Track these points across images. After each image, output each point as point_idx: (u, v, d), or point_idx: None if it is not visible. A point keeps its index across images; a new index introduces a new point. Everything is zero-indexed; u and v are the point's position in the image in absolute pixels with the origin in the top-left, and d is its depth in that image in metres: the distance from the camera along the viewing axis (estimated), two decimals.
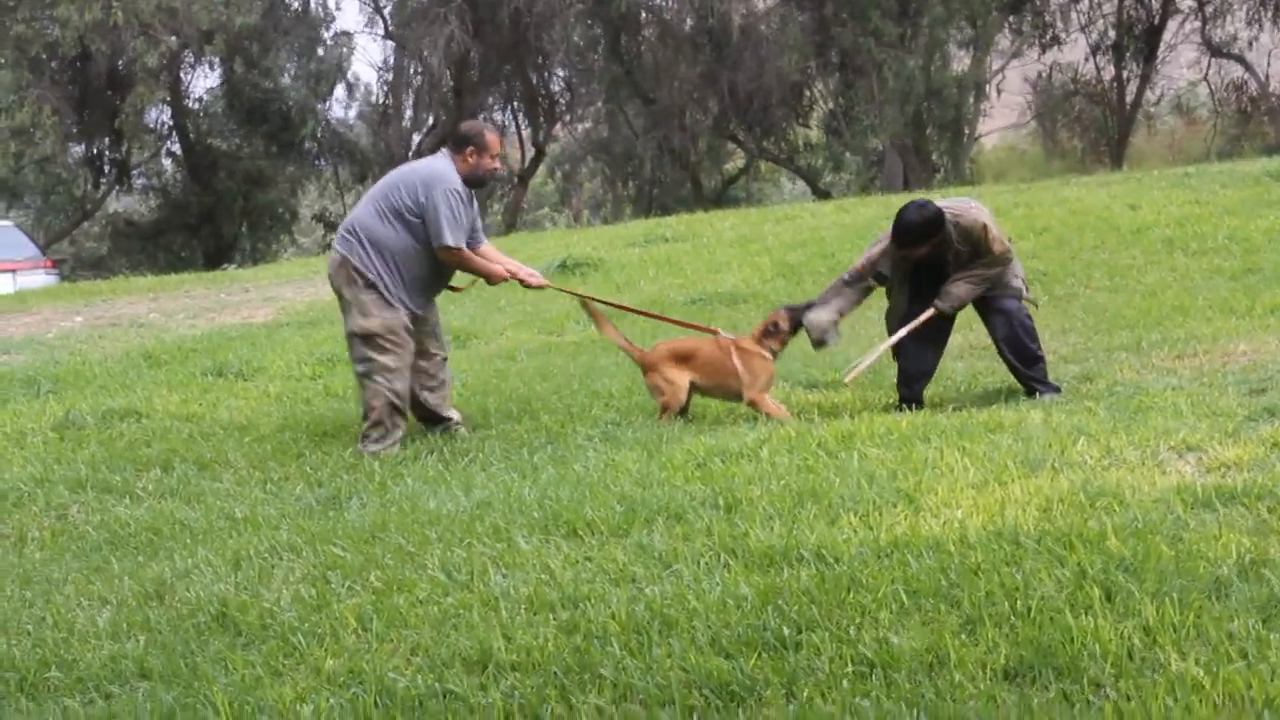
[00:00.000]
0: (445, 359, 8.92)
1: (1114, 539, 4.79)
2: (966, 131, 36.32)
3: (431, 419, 8.77)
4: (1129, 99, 39.28)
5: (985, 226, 8.36)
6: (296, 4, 39.65)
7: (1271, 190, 17.67)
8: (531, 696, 4.06)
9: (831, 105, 38.75)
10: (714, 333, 8.82)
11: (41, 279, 24.53)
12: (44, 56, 34.22)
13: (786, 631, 4.32)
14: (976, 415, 7.37)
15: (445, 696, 4.13)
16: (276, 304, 17.01)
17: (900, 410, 8.22)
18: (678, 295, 14.53)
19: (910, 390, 8.61)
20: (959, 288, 8.43)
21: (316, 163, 42.98)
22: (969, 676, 3.91)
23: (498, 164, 8.65)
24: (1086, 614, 4.20)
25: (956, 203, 8.63)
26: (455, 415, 8.85)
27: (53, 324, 16.53)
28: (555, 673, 4.20)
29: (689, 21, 37.40)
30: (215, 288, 19.76)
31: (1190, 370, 8.37)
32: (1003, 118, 40.57)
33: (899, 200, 22.39)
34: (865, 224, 18.50)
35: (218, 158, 39.83)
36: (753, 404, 8.41)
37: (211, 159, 39.81)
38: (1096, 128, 39.72)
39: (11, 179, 35.20)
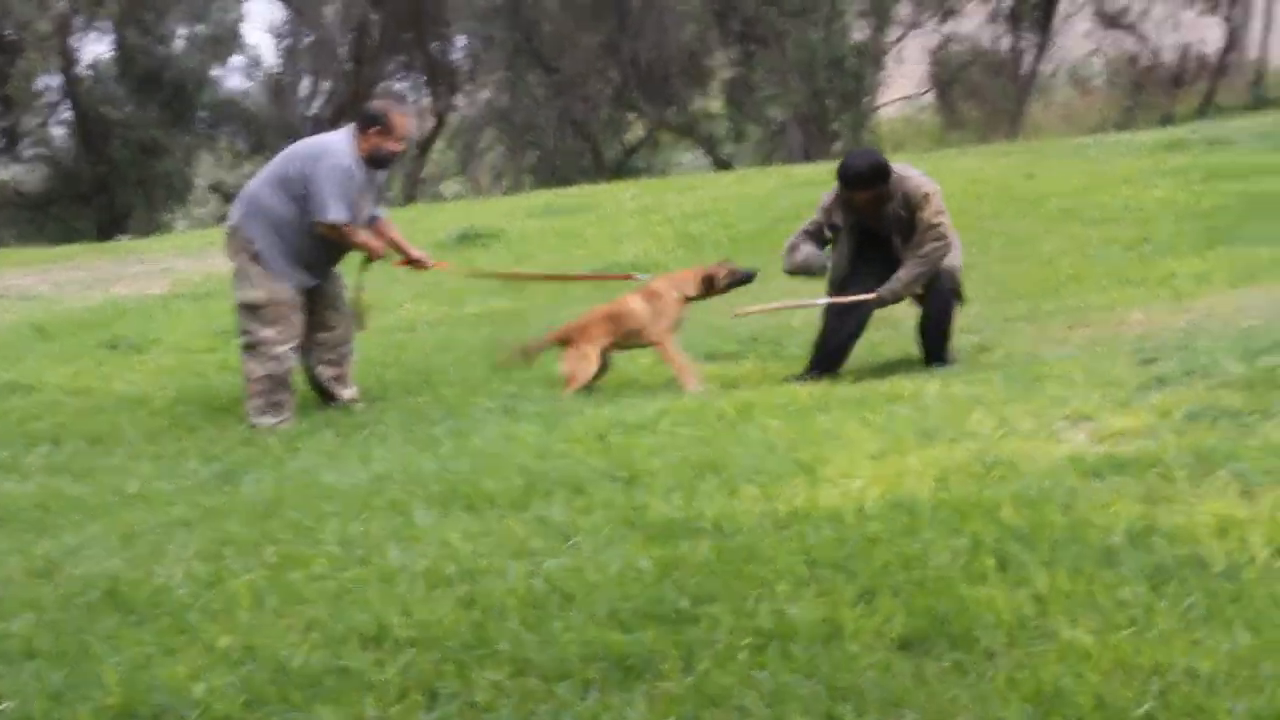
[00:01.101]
0: (348, 332, 8.79)
1: (1008, 509, 4.85)
2: (866, 101, 36.45)
3: (326, 394, 8.68)
4: (1025, 69, 39.63)
5: (928, 195, 8.35)
6: None
7: (1165, 160, 17.94)
8: (429, 672, 4.04)
9: (732, 75, 38.75)
10: (629, 278, 8.84)
11: None
12: None
13: (685, 604, 4.32)
14: (876, 386, 7.43)
15: (341, 673, 4.09)
16: (171, 276, 16.77)
17: (803, 379, 8.25)
18: (580, 266, 14.47)
19: (829, 360, 8.55)
20: (903, 272, 8.38)
21: (211, 132, 42.34)
22: (865, 647, 3.93)
23: (402, 145, 8.49)
24: (981, 583, 4.24)
25: (908, 168, 8.63)
26: (349, 393, 8.72)
27: None
28: (452, 648, 4.18)
29: None
30: (108, 259, 19.44)
31: (1085, 340, 8.47)
32: (901, 88, 40.76)
33: (800, 171, 22.59)
34: (766, 194, 18.55)
35: (110, 126, 39.05)
36: (657, 346, 8.55)
37: (104, 127, 39.02)
38: (994, 98, 40.03)
39: None
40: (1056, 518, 4.71)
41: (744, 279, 8.70)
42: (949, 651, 3.86)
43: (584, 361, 8.51)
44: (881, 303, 8.50)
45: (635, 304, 8.59)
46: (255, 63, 42.80)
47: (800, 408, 6.92)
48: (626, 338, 8.66)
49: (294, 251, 8.31)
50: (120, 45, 38.74)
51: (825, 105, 34.70)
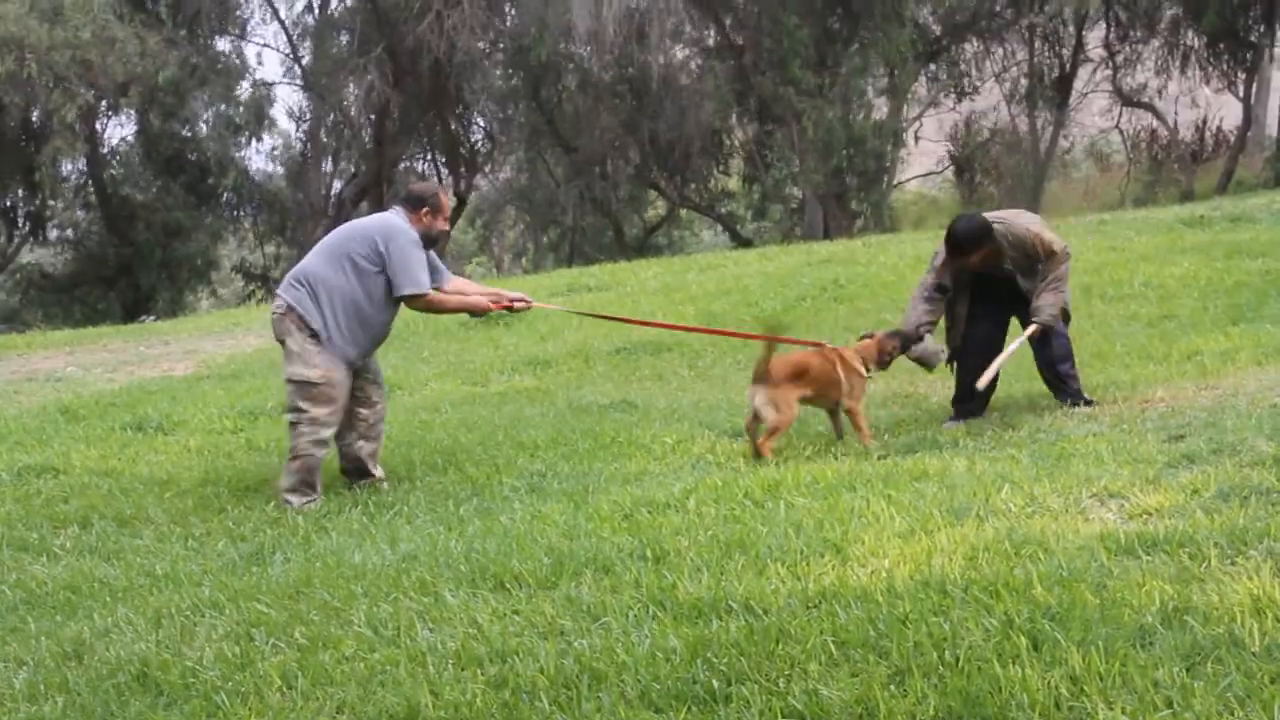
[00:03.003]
0: (385, 409, 8.94)
1: (1040, 587, 4.82)
2: (886, 179, 36.62)
3: (358, 473, 8.70)
4: (1043, 146, 39.83)
5: (1038, 234, 8.87)
6: (215, 55, 39.40)
7: (1185, 237, 17.97)
8: None
9: (752, 154, 38.97)
10: (819, 345, 9.08)
11: None
12: None
13: (716, 684, 4.30)
14: (901, 463, 7.41)
15: None
16: (197, 357, 16.86)
17: (954, 424, 8.87)
18: (602, 345, 14.53)
19: (975, 404, 9.15)
20: (1045, 299, 8.87)
21: (235, 213, 42.67)
22: None
23: (449, 226, 8.80)
24: (1014, 663, 4.21)
25: (1005, 214, 9.18)
26: (380, 473, 8.81)
27: None
28: None
29: (609, 71, 37.54)
30: (134, 340, 19.56)
31: (1110, 417, 8.44)
32: (920, 165, 41.03)
33: (821, 248, 22.68)
34: (788, 272, 18.62)
35: (135, 209, 39.40)
36: (850, 413, 8.74)
37: (129, 210, 39.37)
38: (1013, 175, 40.19)
39: None
40: (1089, 597, 4.68)
41: (914, 339, 8.97)
42: None
43: (791, 410, 8.57)
44: (1045, 329, 8.91)
45: (839, 372, 8.70)
46: (278, 145, 43.20)
47: (827, 486, 6.90)
48: (815, 399, 8.81)
49: (352, 329, 8.44)
50: (144, 129, 39.12)
51: (845, 183, 34.84)
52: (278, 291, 8.63)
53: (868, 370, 8.87)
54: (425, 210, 8.60)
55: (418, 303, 8.54)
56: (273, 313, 8.60)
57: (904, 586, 5.02)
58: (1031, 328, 8.89)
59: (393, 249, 8.36)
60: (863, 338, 9.13)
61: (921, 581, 5.05)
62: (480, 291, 9.05)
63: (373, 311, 8.49)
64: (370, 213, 40.17)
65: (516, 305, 9.00)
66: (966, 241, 8.83)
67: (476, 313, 9.00)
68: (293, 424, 8.45)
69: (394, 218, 8.59)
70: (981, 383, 8.87)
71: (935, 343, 9.07)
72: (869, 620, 4.69)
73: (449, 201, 8.84)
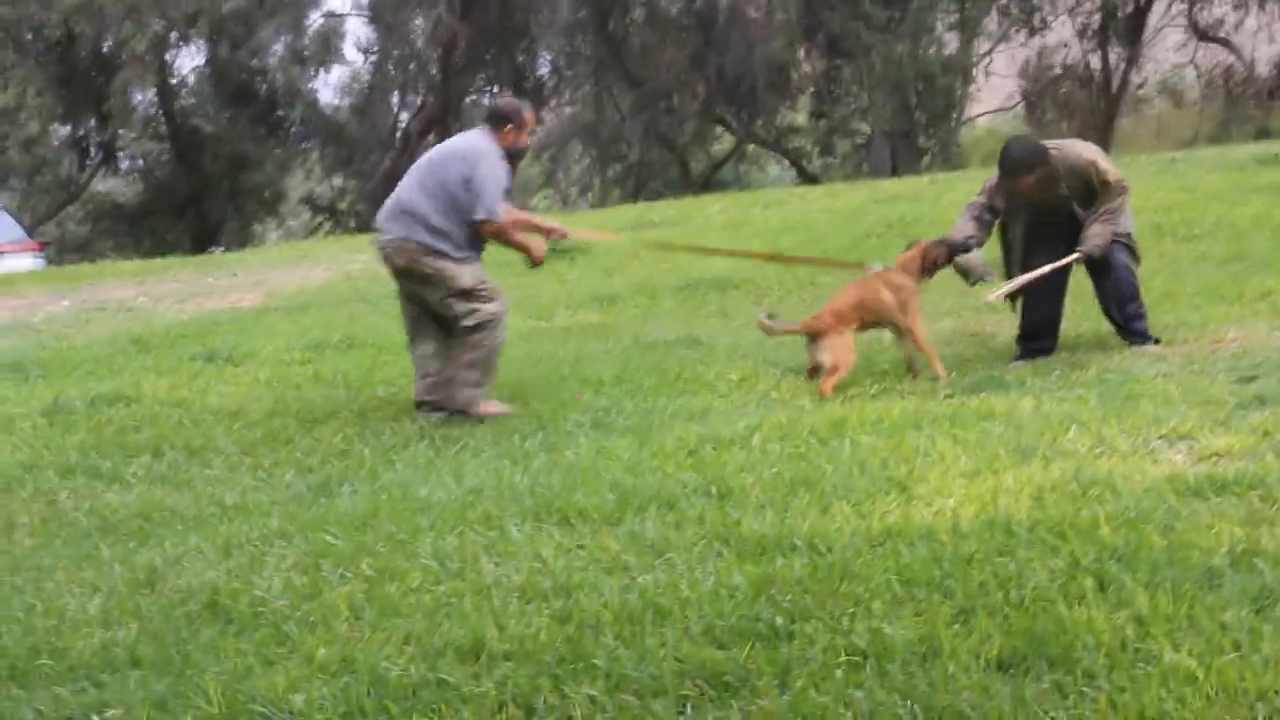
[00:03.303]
0: None
1: (1106, 528, 4.81)
2: (954, 115, 36.26)
3: (434, 406, 8.74)
4: (1115, 83, 39.28)
5: (1093, 161, 8.84)
6: None
7: (1258, 176, 17.67)
8: (525, 686, 4.06)
9: (819, 89, 38.69)
10: (859, 266, 9.13)
11: (29, 262, 24.39)
12: (29, 38, 34.02)
13: (780, 621, 4.32)
14: (968, 403, 7.37)
15: (438, 686, 4.13)
16: (265, 288, 16.97)
17: (1019, 362, 8.81)
18: (669, 280, 14.50)
19: (1041, 342, 9.07)
20: (1094, 229, 8.80)
21: (303, 145, 42.82)
22: (962, 667, 3.91)
23: (530, 140, 8.95)
24: (1079, 604, 4.21)
25: (1063, 142, 9.13)
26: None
27: (40, 308, 16.47)
28: (548, 662, 4.21)
29: (676, 3, 37.31)
30: (203, 271, 19.70)
31: (1180, 357, 8.36)
32: (990, 101, 40.59)
33: (888, 185, 22.53)
34: (854, 209, 18.51)
35: (204, 140, 39.64)
36: (908, 334, 8.79)
37: (198, 141, 39.62)
38: (1084, 111, 39.69)
39: None
40: (1156, 538, 4.67)
41: (961, 249, 8.90)
42: (1048, 673, 3.84)
43: (848, 351, 8.62)
44: (1089, 259, 8.84)
45: (885, 293, 8.73)
46: (345, 77, 43.25)
47: (892, 424, 6.88)
48: (872, 325, 8.90)
49: (470, 241, 8.57)
50: (213, 60, 39.28)
51: (913, 119, 34.54)
52: (379, 229, 8.72)
53: (916, 281, 8.86)
54: (510, 127, 8.69)
55: (487, 228, 8.57)
56: (383, 246, 8.65)
57: (969, 526, 5.03)
58: (1073, 254, 8.81)
59: (475, 174, 8.44)
60: (908, 246, 9.10)
61: (986, 521, 5.06)
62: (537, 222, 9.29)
63: (463, 234, 8.56)
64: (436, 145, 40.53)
65: (554, 234, 9.24)
66: (1019, 163, 8.76)
67: (534, 259, 8.98)
68: (474, 325, 8.57)
69: (479, 140, 8.68)
70: (995, 297, 8.86)
71: (983, 259, 8.99)
72: (933, 559, 4.69)
73: (533, 115, 8.95)
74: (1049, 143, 8.97)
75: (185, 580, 5.43)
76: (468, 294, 8.54)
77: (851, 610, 4.36)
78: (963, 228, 8.95)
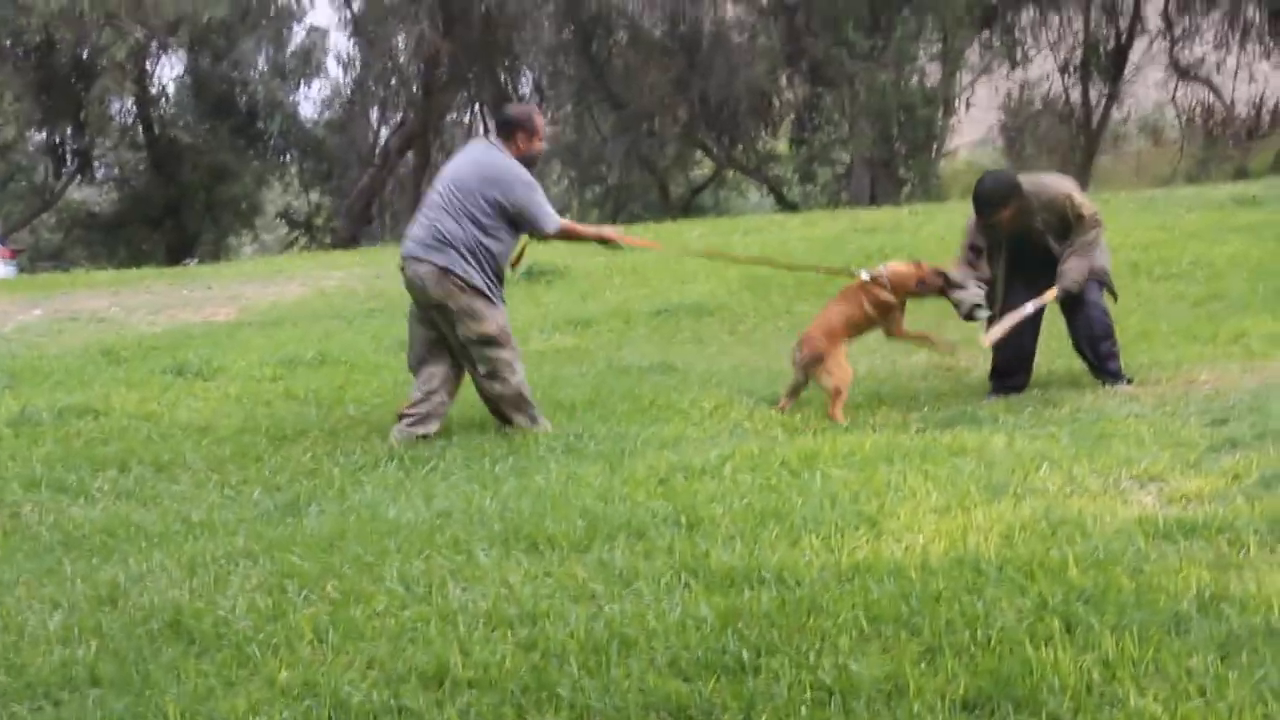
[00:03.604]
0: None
1: (1075, 569, 4.79)
2: (935, 146, 36.36)
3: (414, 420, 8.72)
4: (1095, 119, 39.45)
5: (1069, 195, 8.87)
6: None
7: (1236, 216, 17.78)
8: (488, 715, 4.03)
9: (801, 116, 38.78)
10: (849, 274, 9.26)
11: (0, 270, 24.30)
12: (8, 43, 33.90)
13: (746, 655, 4.29)
14: (940, 438, 7.36)
15: (400, 713, 4.09)
16: (239, 302, 16.91)
17: (993, 398, 8.82)
18: (643, 306, 14.51)
19: (1014, 379, 9.09)
20: (1070, 263, 8.82)
21: (281, 158, 42.74)
22: (928, 707, 3.89)
23: (544, 144, 8.91)
24: (1046, 645, 4.18)
25: (1038, 176, 9.23)
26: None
27: (11, 317, 16.37)
28: (512, 691, 4.17)
29: (660, 26, 37.36)
30: (177, 284, 19.63)
31: (1153, 398, 8.38)
32: (970, 133, 40.73)
33: (867, 215, 22.59)
34: (832, 238, 18.55)
35: (182, 150, 39.51)
36: (896, 336, 9.06)
37: (175, 151, 39.49)
38: (1063, 147, 39.84)
39: None
40: (1125, 581, 4.65)
41: (958, 287, 8.96)
42: (1013, 715, 3.81)
43: (846, 370, 8.76)
44: (1068, 295, 8.84)
45: (868, 305, 8.85)
46: (326, 91, 43.23)
47: (864, 458, 6.87)
48: (860, 333, 9.02)
49: (498, 276, 8.58)
50: (193, 70, 39.19)
51: (894, 149, 34.62)
52: (415, 255, 8.51)
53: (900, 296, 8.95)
54: (521, 135, 8.64)
55: (559, 234, 8.71)
56: (416, 276, 8.50)
57: (938, 563, 5.00)
58: (1050, 291, 8.81)
59: (515, 198, 8.43)
60: (911, 260, 9.13)
61: (956, 559, 5.03)
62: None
63: (504, 256, 8.62)
64: (416, 164, 40.21)
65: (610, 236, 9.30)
66: (993, 197, 8.78)
67: (611, 241, 9.23)
68: (489, 374, 8.54)
69: (495, 155, 8.58)
70: (990, 340, 8.82)
71: (979, 295, 8.97)
72: (901, 596, 4.67)
73: (543, 120, 8.89)
74: (1023, 176, 8.99)
75: (148, 598, 5.37)
76: (489, 341, 8.49)
77: (818, 646, 4.33)
78: (962, 274, 8.96)
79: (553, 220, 8.53)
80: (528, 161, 8.67)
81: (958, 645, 4.25)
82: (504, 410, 8.64)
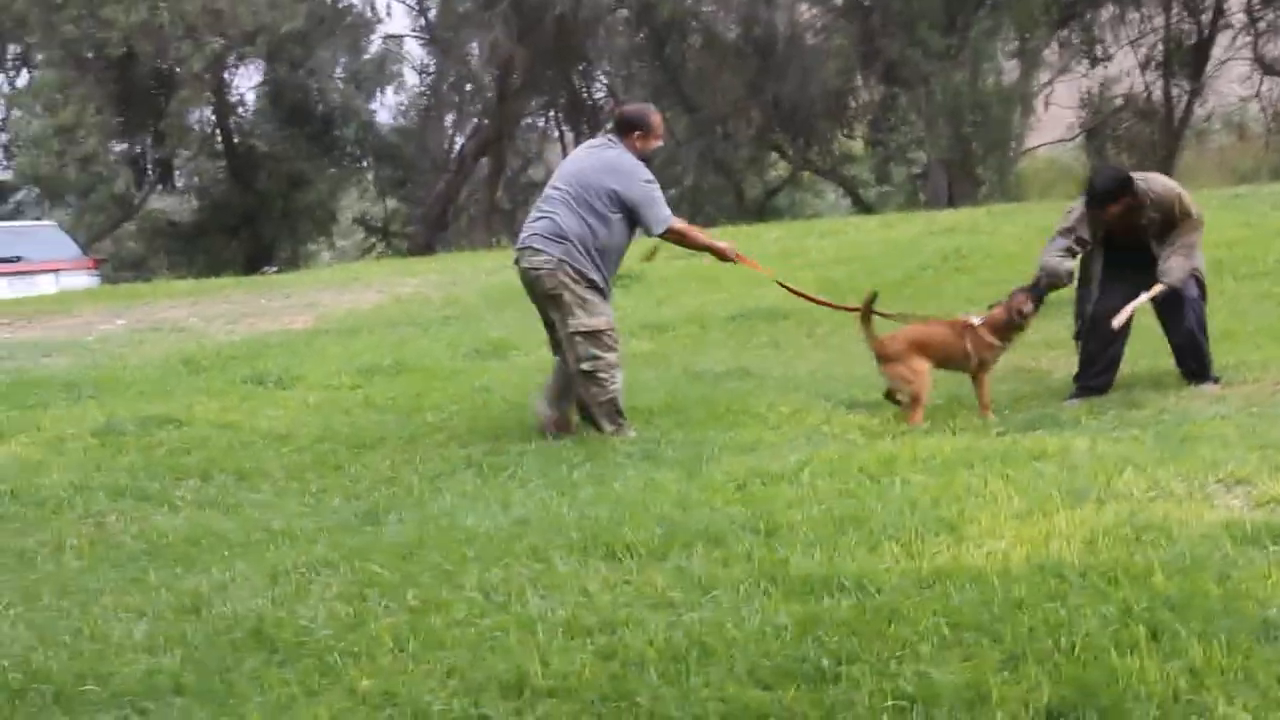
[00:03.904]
0: None
1: (1160, 575, 4.73)
2: (1013, 146, 36.05)
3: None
4: (1178, 115, 38.97)
5: (1179, 194, 8.85)
6: (343, 7, 39.72)
7: None
8: None
9: (877, 116, 38.61)
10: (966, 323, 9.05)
11: (84, 279, 24.60)
12: (90, 56, 34.33)
13: (825, 663, 4.27)
14: (1020, 441, 7.29)
15: None
16: (316, 310, 17.03)
17: (1075, 400, 8.75)
18: (719, 310, 14.46)
19: (1098, 379, 9.00)
20: (1174, 261, 8.78)
21: (358, 164, 43.01)
22: (1010, 715, 3.86)
23: (661, 141, 8.98)
24: (1131, 653, 4.14)
25: (1148, 175, 9.11)
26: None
27: (94, 326, 16.57)
28: (591, 700, 4.18)
29: (734, 30, 37.31)
30: (255, 292, 19.79)
31: (1239, 398, 8.26)
32: (1050, 132, 40.32)
33: (944, 216, 22.42)
34: (909, 240, 18.43)
35: (259, 159, 39.84)
36: (978, 378, 8.84)
37: (253, 160, 39.83)
38: (1145, 144, 39.39)
39: (54, 177, 35.20)
40: (1211, 587, 4.59)
41: (1041, 298, 8.93)
42: None
43: (927, 380, 8.71)
44: (1172, 290, 8.77)
45: (968, 342, 8.79)
46: (402, 98, 43.45)
47: (943, 462, 6.82)
48: (948, 364, 8.91)
49: (611, 273, 8.74)
50: (271, 79, 39.53)
51: (971, 149, 34.36)
52: (533, 245, 8.63)
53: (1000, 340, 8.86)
54: (637, 134, 8.77)
55: (669, 235, 8.79)
56: (533, 268, 8.63)
57: (1020, 569, 4.96)
58: (1157, 287, 8.72)
59: (633, 192, 8.56)
60: (990, 308, 9.04)
61: (1038, 565, 4.99)
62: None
63: (617, 252, 8.74)
64: (491, 170, 40.37)
65: (732, 257, 9.22)
66: (1109, 189, 8.76)
67: (721, 255, 9.13)
68: (589, 372, 8.59)
69: (619, 155, 8.69)
70: (1117, 321, 8.70)
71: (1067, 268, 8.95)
72: (983, 603, 4.63)
73: (659, 120, 8.94)
74: (1135, 174, 8.93)
75: (231, 607, 5.42)
76: (596, 336, 8.55)
77: (899, 653, 4.31)
78: (1049, 258, 8.88)
79: (663, 220, 8.63)
80: (644, 159, 8.79)
81: (1040, 653, 4.21)
82: (594, 413, 8.69)
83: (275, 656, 4.84)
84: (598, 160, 8.76)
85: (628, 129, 8.78)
